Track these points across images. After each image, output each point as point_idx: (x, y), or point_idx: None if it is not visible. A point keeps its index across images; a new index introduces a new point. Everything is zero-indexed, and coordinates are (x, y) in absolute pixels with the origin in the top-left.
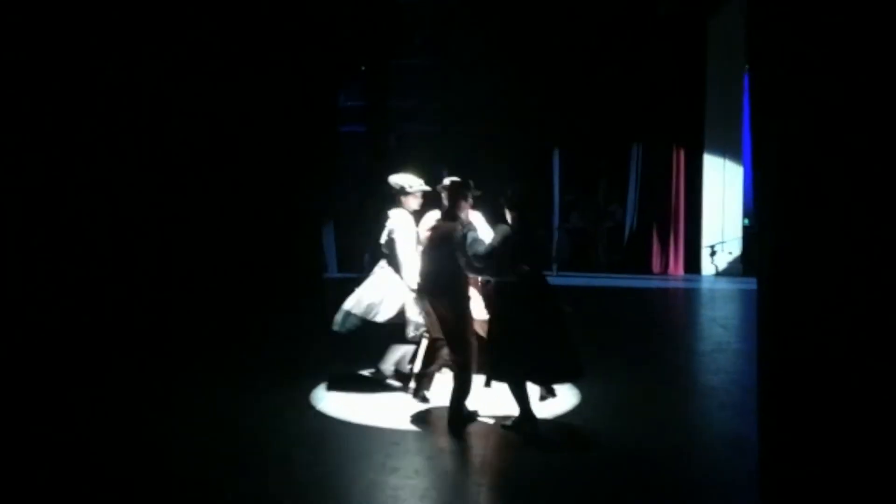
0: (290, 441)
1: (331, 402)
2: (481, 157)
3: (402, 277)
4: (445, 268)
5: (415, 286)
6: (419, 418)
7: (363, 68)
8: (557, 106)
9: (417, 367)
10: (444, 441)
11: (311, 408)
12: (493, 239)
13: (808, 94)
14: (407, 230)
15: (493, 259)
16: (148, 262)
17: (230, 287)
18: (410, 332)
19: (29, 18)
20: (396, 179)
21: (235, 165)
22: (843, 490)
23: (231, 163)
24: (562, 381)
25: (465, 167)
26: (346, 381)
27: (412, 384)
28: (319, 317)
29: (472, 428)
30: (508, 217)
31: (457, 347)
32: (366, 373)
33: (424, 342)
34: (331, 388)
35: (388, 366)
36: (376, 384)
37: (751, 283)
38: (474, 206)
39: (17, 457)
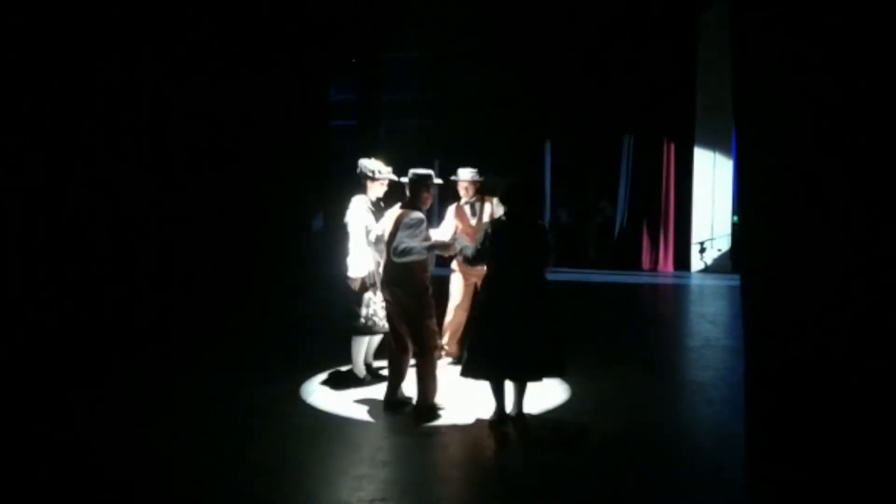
0: (282, 435)
1: (322, 397)
2: (472, 149)
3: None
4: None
5: (357, 276)
6: (410, 412)
7: (353, 61)
8: (549, 99)
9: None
10: (434, 435)
11: (303, 402)
12: (477, 240)
13: (795, 92)
14: (361, 218)
15: (482, 258)
16: (148, 261)
17: (224, 282)
18: (359, 324)
19: (29, 18)
20: (366, 163)
21: (230, 162)
22: (829, 485)
23: (226, 160)
24: (538, 378)
25: (456, 160)
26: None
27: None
28: (309, 310)
29: (461, 422)
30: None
31: (419, 335)
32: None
33: (378, 336)
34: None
35: (359, 367)
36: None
37: (740, 280)
38: (492, 195)
39: (17, 457)
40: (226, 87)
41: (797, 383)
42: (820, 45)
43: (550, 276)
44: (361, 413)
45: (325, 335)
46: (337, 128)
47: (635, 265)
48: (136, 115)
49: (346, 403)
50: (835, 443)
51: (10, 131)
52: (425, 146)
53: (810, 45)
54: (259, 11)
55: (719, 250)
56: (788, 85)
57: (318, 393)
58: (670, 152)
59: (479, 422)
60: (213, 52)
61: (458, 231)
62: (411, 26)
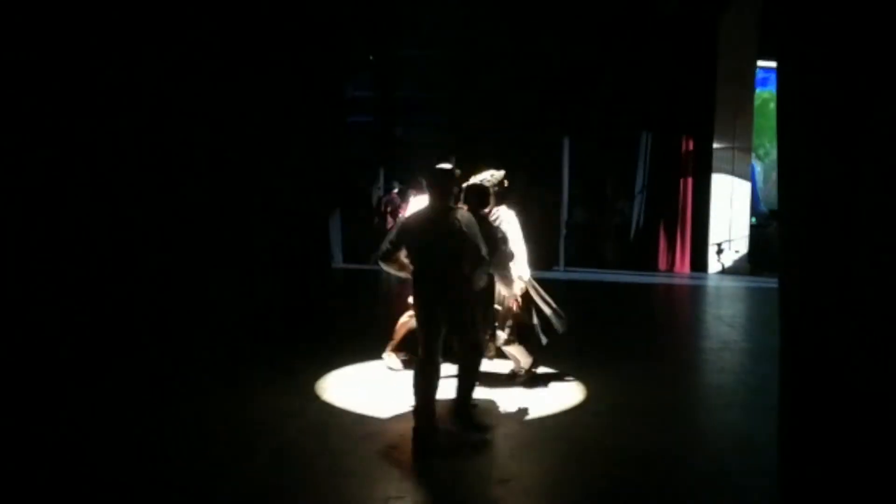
0: (295, 433)
1: (335, 394)
2: (489, 147)
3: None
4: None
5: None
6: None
7: (371, 58)
8: (567, 97)
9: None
10: (451, 432)
11: (316, 399)
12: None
13: (833, 92)
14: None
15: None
16: (148, 261)
17: (235, 279)
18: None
19: (29, 18)
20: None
21: (241, 158)
22: (865, 492)
23: (236, 155)
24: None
25: (473, 157)
26: None
27: None
28: (325, 307)
29: (479, 420)
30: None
31: (475, 336)
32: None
33: None
34: None
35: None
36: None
37: (757, 282)
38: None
39: (18, 457)
40: (237, 80)
41: (836, 386)
42: (858, 51)
43: (567, 276)
44: (375, 410)
45: (328, 335)
46: (353, 124)
47: (652, 266)
48: (136, 115)
49: (359, 400)
50: (875, 447)
51: (10, 131)
52: (442, 144)
53: (840, 43)
54: (268, 7)
55: (737, 252)
56: (834, 86)
57: (330, 389)
58: (688, 151)
59: (497, 421)
60: (225, 47)
61: None
62: (429, 23)
